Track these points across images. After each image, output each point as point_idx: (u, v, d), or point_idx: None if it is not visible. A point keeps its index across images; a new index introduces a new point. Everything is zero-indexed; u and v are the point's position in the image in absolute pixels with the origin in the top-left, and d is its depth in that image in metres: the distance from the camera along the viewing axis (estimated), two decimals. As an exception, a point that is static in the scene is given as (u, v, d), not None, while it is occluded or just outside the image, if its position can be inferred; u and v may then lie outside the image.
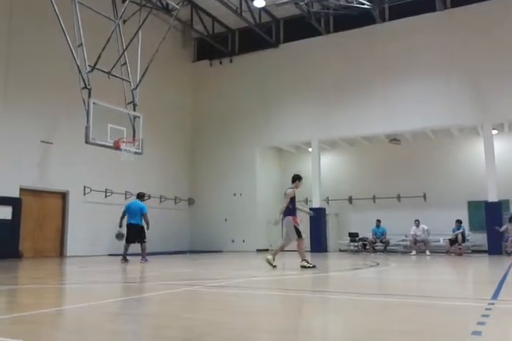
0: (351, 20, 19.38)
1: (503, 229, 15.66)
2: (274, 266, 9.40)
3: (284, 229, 9.81)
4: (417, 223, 17.15)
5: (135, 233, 12.37)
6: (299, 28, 20.78)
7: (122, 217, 12.62)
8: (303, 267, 9.25)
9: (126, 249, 12.44)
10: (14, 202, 14.53)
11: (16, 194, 14.70)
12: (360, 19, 19.13)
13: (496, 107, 16.73)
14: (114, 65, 13.76)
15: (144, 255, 12.37)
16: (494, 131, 17.22)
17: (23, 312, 4.25)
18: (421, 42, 18.11)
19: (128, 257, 12.32)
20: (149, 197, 12.33)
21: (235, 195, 20.98)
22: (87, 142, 12.45)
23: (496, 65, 16.83)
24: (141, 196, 13.04)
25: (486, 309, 4.25)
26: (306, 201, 20.89)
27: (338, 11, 19.36)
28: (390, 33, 18.77)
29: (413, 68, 18.18)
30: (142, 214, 12.45)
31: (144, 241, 12.46)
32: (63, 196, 16.47)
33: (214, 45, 21.93)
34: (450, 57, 17.58)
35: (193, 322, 3.85)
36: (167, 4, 17.93)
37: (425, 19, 18.23)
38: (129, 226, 12.46)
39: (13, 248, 14.25)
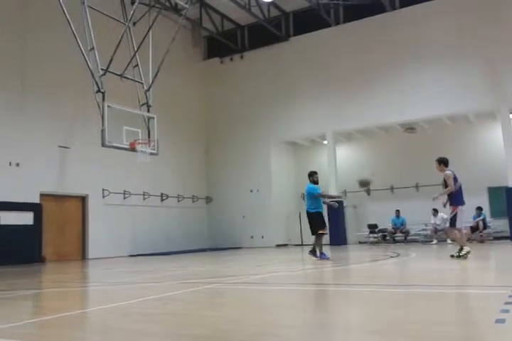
0: (361, 9, 19.21)
1: None
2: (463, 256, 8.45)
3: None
4: (434, 212, 16.94)
5: (309, 222, 10.16)
6: (308, 20, 20.65)
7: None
8: (456, 256, 8.46)
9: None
10: (35, 208, 14.75)
11: (36, 200, 14.92)
12: (370, 8, 18.93)
13: (513, 91, 16.46)
14: (126, 67, 13.87)
15: (317, 249, 10.04)
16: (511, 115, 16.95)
17: (49, 316, 4.33)
18: (433, 29, 17.86)
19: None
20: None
21: (251, 191, 21.02)
22: (103, 145, 12.58)
23: (510, 48, 16.54)
24: (309, 175, 10.45)
25: (510, 296, 4.21)
26: (324, 194, 20.84)
27: (348, 1, 19.22)
28: (400, 21, 18.53)
29: (425, 55, 17.94)
30: (314, 196, 10.12)
31: (315, 233, 10.00)
32: (83, 199, 16.68)
33: (224, 42, 21.92)
34: (463, 43, 17.30)
35: (215, 319, 3.88)
36: (176, 4, 17.98)
37: (436, 5, 17.93)
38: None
39: (36, 253, 14.48)
